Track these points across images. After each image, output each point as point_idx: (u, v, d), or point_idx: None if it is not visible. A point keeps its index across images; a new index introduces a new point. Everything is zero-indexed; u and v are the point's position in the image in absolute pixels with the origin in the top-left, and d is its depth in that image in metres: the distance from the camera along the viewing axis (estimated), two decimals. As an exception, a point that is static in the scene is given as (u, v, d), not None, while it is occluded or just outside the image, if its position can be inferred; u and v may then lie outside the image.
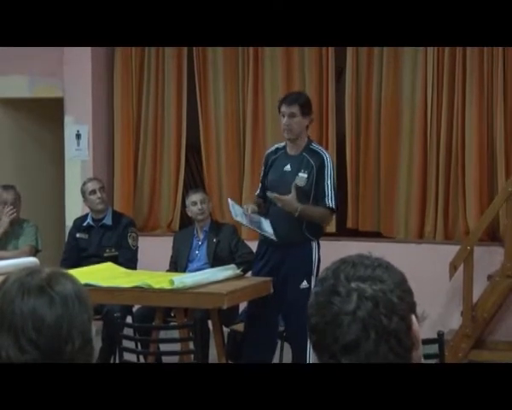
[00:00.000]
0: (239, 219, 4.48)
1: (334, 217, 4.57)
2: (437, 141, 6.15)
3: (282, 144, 4.62)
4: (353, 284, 1.30)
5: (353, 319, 1.28)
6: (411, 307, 1.34)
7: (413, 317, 1.33)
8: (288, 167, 4.47)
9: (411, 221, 6.23)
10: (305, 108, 4.47)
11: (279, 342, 4.65)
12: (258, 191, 4.73)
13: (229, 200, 4.67)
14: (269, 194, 4.40)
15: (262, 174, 4.67)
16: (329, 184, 4.40)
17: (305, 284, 4.33)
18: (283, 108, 4.48)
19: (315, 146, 4.56)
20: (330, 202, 4.39)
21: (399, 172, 6.27)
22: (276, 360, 4.54)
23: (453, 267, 5.45)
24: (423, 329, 4.64)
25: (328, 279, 1.34)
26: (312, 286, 4.31)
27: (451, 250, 5.55)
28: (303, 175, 4.40)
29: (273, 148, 4.70)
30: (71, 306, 1.49)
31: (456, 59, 6.06)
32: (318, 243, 4.48)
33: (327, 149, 6.38)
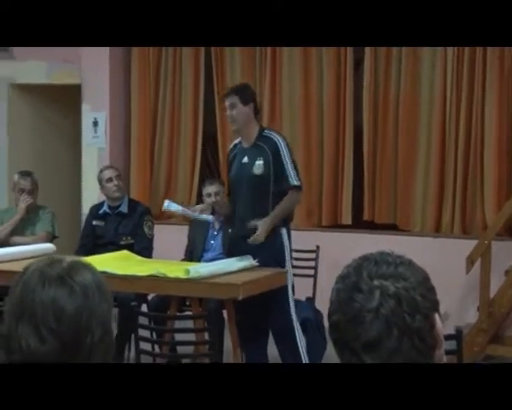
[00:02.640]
0: (173, 209, 4.60)
1: (301, 194, 4.61)
2: (455, 134, 6.10)
3: (239, 139, 4.66)
4: (376, 282, 1.29)
5: (376, 317, 1.27)
6: (434, 306, 1.32)
7: (436, 315, 1.31)
8: (245, 159, 4.51)
9: (428, 214, 6.20)
10: (244, 97, 4.52)
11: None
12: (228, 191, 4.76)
13: (166, 201, 4.78)
14: (250, 241, 4.39)
15: (228, 174, 4.70)
16: (287, 163, 4.43)
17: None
18: (225, 102, 4.55)
19: (267, 132, 4.59)
20: (293, 180, 4.43)
21: (417, 164, 6.22)
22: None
23: (470, 262, 5.42)
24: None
25: (350, 276, 1.33)
26: (289, 270, 4.38)
27: (469, 244, 5.52)
28: (259, 162, 4.44)
29: (232, 145, 4.75)
30: (91, 296, 1.49)
31: (476, 51, 6.00)
32: (288, 229, 4.50)
33: (344, 140, 6.38)
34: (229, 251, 4.66)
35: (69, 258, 1.56)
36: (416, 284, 1.31)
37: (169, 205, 4.68)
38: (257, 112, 4.61)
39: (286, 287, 4.38)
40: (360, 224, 6.36)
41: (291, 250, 4.52)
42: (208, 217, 4.66)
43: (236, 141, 4.68)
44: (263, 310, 4.45)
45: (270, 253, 4.42)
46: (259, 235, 4.39)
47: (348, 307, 1.30)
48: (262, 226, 4.38)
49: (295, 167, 4.49)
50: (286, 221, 4.51)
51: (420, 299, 1.30)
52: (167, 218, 6.88)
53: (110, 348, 1.52)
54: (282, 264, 4.42)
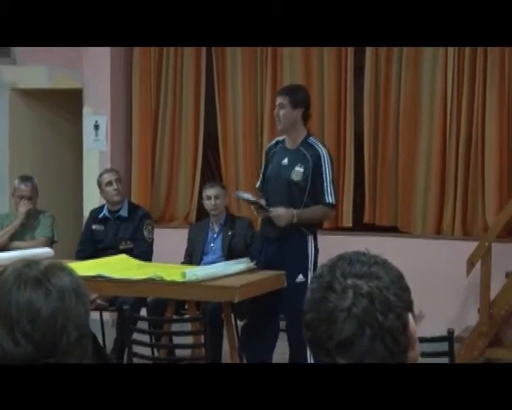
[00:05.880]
0: (246, 196, 4.58)
1: (334, 212, 4.62)
2: (456, 136, 6.08)
3: (282, 138, 4.60)
4: (349, 281, 1.29)
5: (348, 316, 1.26)
6: (408, 306, 1.31)
7: (410, 315, 1.30)
8: (285, 161, 4.45)
9: (429, 216, 6.18)
10: (296, 100, 4.43)
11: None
12: (258, 184, 4.70)
13: (236, 192, 4.75)
14: (267, 213, 4.36)
15: (263, 168, 4.65)
16: (327, 179, 4.36)
17: (300, 277, 4.31)
18: (276, 99, 4.51)
19: (312, 140, 4.51)
20: (330, 197, 4.37)
21: (418, 167, 6.21)
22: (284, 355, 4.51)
23: (471, 264, 5.39)
24: (439, 326, 4.54)
25: (324, 276, 1.32)
26: (309, 280, 4.32)
27: (469, 246, 5.49)
28: (299, 169, 4.36)
29: (274, 141, 4.69)
30: (67, 299, 1.48)
31: (476, 52, 5.99)
32: (315, 236, 4.45)
33: (344, 144, 6.37)
34: (259, 252, 4.60)
35: (48, 261, 1.55)
36: (390, 284, 1.30)
37: (239, 195, 4.67)
38: (306, 117, 4.50)
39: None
40: (361, 226, 6.35)
41: (316, 259, 4.40)
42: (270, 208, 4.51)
43: (280, 138, 4.62)
44: (275, 314, 4.43)
45: (295, 256, 4.37)
46: (277, 216, 4.30)
47: (322, 307, 1.29)
48: (285, 211, 4.29)
49: (333, 183, 4.42)
50: (312, 229, 4.44)
51: (393, 298, 1.28)
52: (168, 221, 6.89)
53: (87, 350, 1.52)
54: (304, 270, 4.35)
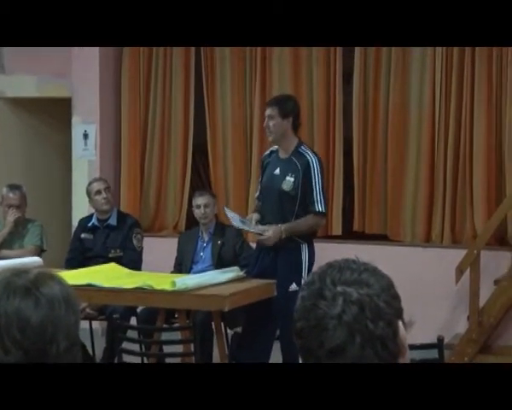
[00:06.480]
0: (236, 224, 4.53)
1: (324, 220, 4.63)
2: (444, 144, 6.11)
3: (276, 147, 4.62)
4: (339, 288, 1.29)
5: (339, 323, 1.26)
6: (398, 313, 1.31)
7: (400, 323, 1.30)
8: (277, 171, 4.47)
9: (418, 225, 6.19)
10: (285, 110, 4.45)
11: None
12: (257, 194, 4.73)
13: (226, 208, 4.74)
14: (259, 239, 4.40)
15: (259, 178, 4.68)
16: (317, 187, 4.38)
17: (293, 286, 4.31)
18: (265, 111, 4.54)
19: (303, 149, 4.53)
20: (320, 206, 4.38)
21: (407, 175, 6.23)
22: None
23: (460, 271, 5.41)
24: (429, 333, 4.54)
25: (314, 283, 1.32)
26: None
27: (458, 254, 5.51)
28: (289, 179, 4.38)
29: (268, 151, 4.71)
30: (57, 308, 1.48)
31: (464, 61, 6.02)
32: (310, 246, 4.45)
33: (334, 151, 6.38)
34: (255, 262, 4.63)
35: (37, 270, 1.55)
36: (380, 291, 1.30)
37: (228, 213, 4.65)
38: (296, 126, 4.53)
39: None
40: (350, 234, 6.36)
41: (311, 268, 4.39)
42: (264, 228, 4.49)
43: (273, 148, 4.64)
44: (268, 323, 4.43)
45: (288, 265, 4.38)
46: (266, 239, 4.35)
47: (312, 314, 1.29)
48: (272, 231, 4.33)
49: (323, 192, 4.43)
50: (306, 238, 4.44)
51: (383, 306, 1.29)
52: (157, 230, 6.87)
53: (76, 360, 1.52)
54: (297, 279, 4.34)
